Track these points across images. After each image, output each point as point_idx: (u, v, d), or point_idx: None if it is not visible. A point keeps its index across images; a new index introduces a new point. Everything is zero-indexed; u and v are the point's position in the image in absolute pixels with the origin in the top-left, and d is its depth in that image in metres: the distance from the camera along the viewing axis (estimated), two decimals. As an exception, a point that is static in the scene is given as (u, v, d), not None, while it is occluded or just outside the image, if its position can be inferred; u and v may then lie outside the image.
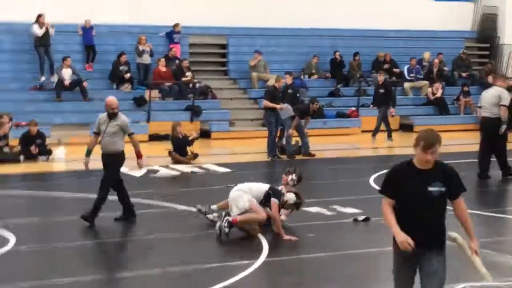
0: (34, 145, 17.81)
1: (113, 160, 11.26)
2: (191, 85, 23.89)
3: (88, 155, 11.57)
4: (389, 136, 22.24)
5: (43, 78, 22.61)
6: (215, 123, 22.99)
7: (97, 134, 11.41)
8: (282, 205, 10.81)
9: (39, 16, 22.26)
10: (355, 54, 26.66)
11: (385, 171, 16.46)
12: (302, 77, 25.87)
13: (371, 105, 23.46)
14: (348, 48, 26.81)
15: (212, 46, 26.49)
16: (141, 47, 23.60)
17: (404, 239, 6.02)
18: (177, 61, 24.09)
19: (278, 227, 10.53)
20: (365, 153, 20.73)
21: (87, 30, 23.63)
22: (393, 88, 23.38)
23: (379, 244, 10.10)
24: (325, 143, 20.98)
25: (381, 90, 22.31)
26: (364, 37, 27.75)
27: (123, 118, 11.38)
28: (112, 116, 11.25)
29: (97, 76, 23.68)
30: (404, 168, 6.25)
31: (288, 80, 20.04)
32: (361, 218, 11.67)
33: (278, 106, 18.24)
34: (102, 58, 23.87)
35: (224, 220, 10.32)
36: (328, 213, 12.12)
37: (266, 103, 18.42)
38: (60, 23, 22.76)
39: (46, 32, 22.31)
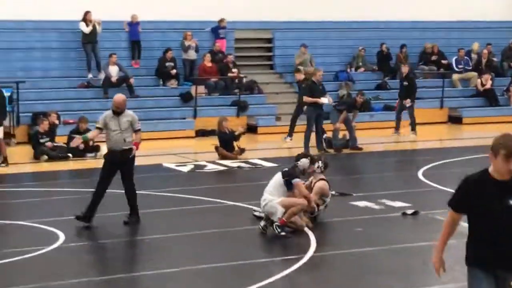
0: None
1: (128, 155, 11.21)
2: (237, 80, 23.87)
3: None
4: (413, 130, 21.41)
5: (90, 76, 22.79)
6: (261, 118, 22.94)
7: (100, 129, 11.37)
8: (303, 173, 10.72)
9: (86, 13, 22.43)
10: (402, 46, 26.37)
11: (433, 164, 16.21)
12: (348, 70, 25.68)
13: (398, 101, 21.93)
14: (395, 40, 26.53)
15: (257, 40, 26.43)
16: (186, 43, 23.65)
17: (435, 261, 5.72)
18: (220, 55, 24.07)
19: (310, 198, 10.53)
20: (414, 146, 20.49)
21: (133, 25, 23.74)
22: (415, 80, 22.51)
23: (428, 238, 9.97)
24: (373, 136, 20.80)
25: (405, 83, 21.63)
26: (411, 29, 27.44)
27: (132, 113, 11.41)
28: (118, 113, 11.23)
29: (143, 72, 23.79)
30: (479, 179, 5.55)
31: (299, 76, 20.08)
32: (410, 212, 11.54)
33: (319, 101, 18.08)
34: (148, 54, 23.97)
35: (275, 228, 10.23)
36: (376, 207, 12.00)
37: (306, 98, 18.23)
38: (106, 20, 22.88)
39: (93, 29, 22.48)
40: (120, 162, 11.19)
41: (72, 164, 17.26)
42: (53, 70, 23.01)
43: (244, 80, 23.96)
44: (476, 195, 5.49)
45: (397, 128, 21.40)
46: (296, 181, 10.40)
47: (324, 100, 18.27)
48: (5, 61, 22.31)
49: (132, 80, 22.49)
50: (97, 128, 11.45)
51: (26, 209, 12.38)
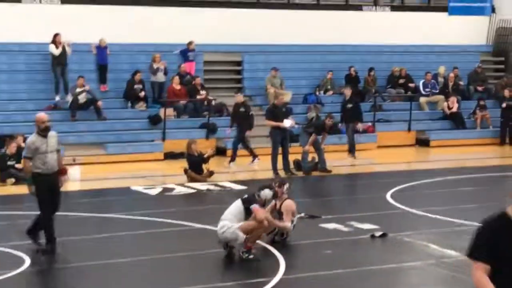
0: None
1: (57, 178, 10.83)
2: (206, 102, 23.85)
3: (29, 182, 10.87)
4: (351, 152, 21.32)
5: (57, 98, 22.62)
6: (230, 140, 22.88)
7: (30, 159, 10.67)
8: (263, 204, 10.68)
9: (56, 35, 22.30)
10: (370, 69, 26.55)
11: (401, 186, 16.32)
12: (317, 92, 25.78)
13: (340, 124, 21.64)
14: (363, 64, 26.71)
15: (226, 63, 26.48)
16: (155, 65, 23.59)
17: None
18: (188, 77, 24.06)
19: (276, 224, 10.71)
20: (382, 168, 20.57)
21: (101, 49, 23.65)
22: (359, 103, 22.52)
23: (397, 260, 9.99)
24: (342, 159, 20.85)
25: (349, 105, 21.62)
26: (379, 52, 27.66)
27: (54, 133, 11.01)
28: (46, 132, 10.79)
29: (111, 95, 23.68)
30: (501, 225, 4.94)
31: (239, 99, 20.69)
32: (378, 234, 11.55)
33: (281, 124, 18.15)
34: (117, 77, 23.87)
35: (242, 254, 10.22)
36: (345, 229, 12.00)
37: (268, 122, 18.44)
38: (74, 42, 22.76)
39: (63, 51, 22.35)
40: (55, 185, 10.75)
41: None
42: (20, 92, 22.81)
43: (213, 102, 23.94)
44: (501, 242, 4.93)
45: (352, 151, 21.37)
46: (254, 207, 10.37)
47: (287, 123, 18.28)
48: (-28, 83, 22.12)
49: (100, 103, 22.37)
50: (28, 158, 10.69)
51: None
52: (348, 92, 22.01)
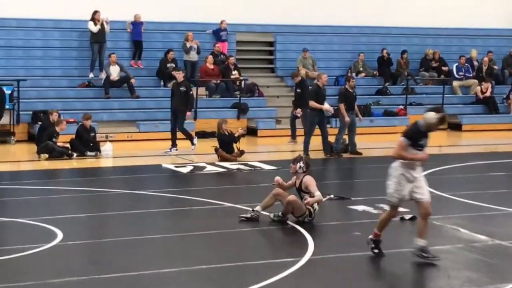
0: (88, 138, 18.01)
1: None
2: (238, 82, 23.91)
3: None
4: (293, 138, 20.86)
5: (91, 75, 22.81)
6: (261, 120, 22.97)
7: None
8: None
9: (95, 12, 22.46)
10: (403, 52, 26.41)
11: (432, 170, 16.25)
12: (349, 74, 25.71)
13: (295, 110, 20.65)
14: (395, 46, 26.58)
15: (259, 43, 26.49)
16: (188, 44, 23.68)
17: None
18: (222, 57, 24.13)
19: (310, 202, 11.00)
20: (413, 151, 20.42)
21: (136, 25, 23.77)
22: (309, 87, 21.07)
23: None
24: (373, 141, 20.80)
25: (298, 90, 20.68)
26: (412, 35, 27.51)
27: None
28: None
29: (144, 73, 23.82)
30: None
31: (297, 79, 19.92)
32: (408, 217, 11.54)
33: (323, 107, 18.01)
34: (150, 55, 24.01)
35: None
36: (375, 211, 12.01)
37: (312, 103, 18.08)
38: (110, 20, 22.89)
39: (102, 29, 22.50)
40: None
41: (72, 163, 17.27)
42: (54, 69, 23.03)
43: (245, 82, 23.99)
44: None
45: (293, 136, 20.90)
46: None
47: (327, 107, 18.20)
48: (6, 59, 22.37)
49: (133, 81, 22.52)
50: None
51: (25, 207, 12.40)
52: (297, 78, 20.61)
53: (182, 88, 18.66)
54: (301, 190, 11.14)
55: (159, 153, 18.53)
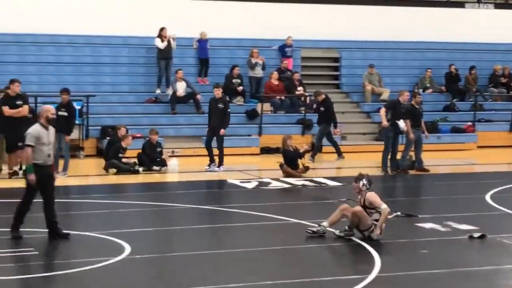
0: (154, 154, 18.18)
1: (52, 171, 10.93)
2: (302, 98, 23.90)
3: (33, 171, 10.67)
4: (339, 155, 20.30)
5: (158, 91, 23.08)
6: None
7: (33, 147, 10.65)
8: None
9: (162, 29, 22.77)
10: (471, 67, 26.05)
11: (502, 187, 15.94)
12: (416, 90, 25.46)
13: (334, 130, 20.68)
14: (464, 62, 26.24)
15: (324, 59, 26.44)
16: (253, 60, 23.79)
17: None
18: (288, 72, 24.17)
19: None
20: (482, 169, 20.16)
21: (202, 42, 23.99)
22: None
23: (495, 262, 9.80)
24: (439, 158, 20.53)
25: (322, 108, 20.37)
26: (481, 51, 27.11)
27: (52, 129, 11.01)
28: (50, 124, 10.87)
29: (210, 89, 23.92)
30: None
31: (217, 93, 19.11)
32: (476, 235, 11.34)
33: (401, 124, 17.84)
34: (216, 71, 24.18)
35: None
36: (442, 229, 11.83)
37: (407, 122, 17.93)
38: (177, 36, 23.16)
39: (168, 45, 22.79)
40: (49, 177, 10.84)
41: (139, 178, 17.46)
42: (122, 85, 23.37)
43: (310, 98, 23.96)
44: None
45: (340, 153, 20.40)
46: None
47: (401, 124, 18.05)
48: (76, 75, 22.78)
49: (199, 96, 22.70)
50: (31, 146, 10.65)
51: (94, 221, 12.58)
52: (321, 96, 20.38)
53: (220, 105, 18.48)
54: (366, 207, 11.04)
55: (225, 168, 18.59)
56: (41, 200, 10.85)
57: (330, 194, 15.08)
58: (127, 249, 10.24)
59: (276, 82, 23.63)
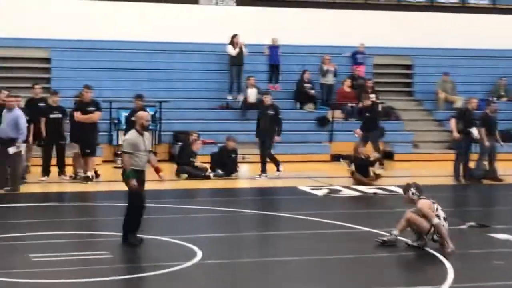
0: (227, 160, 18.33)
1: (144, 176, 11.12)
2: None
3: (134, 175, 10.86)
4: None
5: (230, 97, 23.24)
6: (398, 144, 22.69)
7: (131, 153, 10.83)
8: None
9: (234, 36, 22.94)
10: (547, 76, 25.50)
11: None
12: (490, 99, 25.04)
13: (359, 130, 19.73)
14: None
15: (396, 66, 26.23)
16: (325, 67, 23.76)
17: None
18: (360, 80, 24.07)
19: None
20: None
21: (273, 49, 24.07)
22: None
23: None
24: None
25: (367, 114, 19.91)
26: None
27: (148, 134, 11.18)
28: (145, 130, 11.02)
29: (281, 95, 24.02)
30: None
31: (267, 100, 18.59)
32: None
33: (474, 132, 17.58)
34: (287, 78, 24.22)
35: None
36: (517, 240, 11.61)
37: (481, 131, 17.74)
38: (248, 43, 23.29)
39: (240, 52, 22.94)
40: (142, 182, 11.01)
41: (211, 183, 17.60)
42: (194, 91, 23.61)
43: (382, 106, 23.80)
44: None
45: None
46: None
47: (474, 132, 17.79)
48: (150, 81, 23.12)
49: (270, 103, 22.73)
50: (129, 153, 10.83)
51: (166, 225, 12.73)
52: (367, 102, 20.04)
53: (270, 112, 18.35)
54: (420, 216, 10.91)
55: (294, 176, 18.61)
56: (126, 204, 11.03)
57: (401, 202, 14.91)
58: (199, 254, 10.34)
59: (348, 89, 23.56)
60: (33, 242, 11.16)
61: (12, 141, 15.33)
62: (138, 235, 11.00)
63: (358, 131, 19.52)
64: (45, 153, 17.11)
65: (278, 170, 18.42)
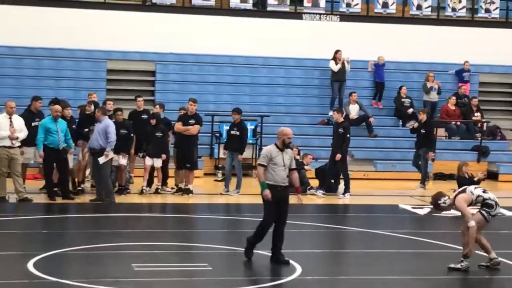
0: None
1: (287, 193, 10.82)
2: (479, 124, 23.24)
3: (266, 187, 10.72)
4: (422, 182, 19.44)
5: (331, 113, 23.13)
6: (503, 164, 22.10)
7: (265, 166, 10.75)
8: None
9: (336, 52, 22.86)
10: None
11: None
12: None
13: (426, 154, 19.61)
14: None
15: (502, 85, 25.60)
16: (429, 84, 23.40)
17: None
18: (465, 99, 23.60)
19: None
20: None
21: (379, 67, 23.86)
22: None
23: None
24: None
25: (422, 130, 19.49)
26: None
27: (290, 152, 11.00)
28: (286, 147, 10.86)
29: (383, 112, 23.80)
30: None
31: (337, 117, 18.28)
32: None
33: None
34: (390, 94, 23.94)
35: None
36: None
37: None
38: (351, 59, 23.17)
39: (342, 68, 22.85)
40: (281, 198, 10.78)
41: (309, 199, 17.53)
42: (295, 106, 23.62)
43: (487, 125, 23.28)
44: None
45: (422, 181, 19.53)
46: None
47: None
48: (251, 95, 23.28)
49: (371, 120, 22.57)
50: (263, 165, 10.77)
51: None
52: (422, 116, 19.69)
53: (340, 130, 17.86)
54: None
55: (396, 193, 18.35)
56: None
57: (506, 224, 14.51)
58: (298, 269, 10.29)
59: (453, 107, 23.12)
60: (135, 251, 11.35)
61: (101, 151, 15.62)
62: (286, 258, 10.72)
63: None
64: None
65: (346, 191, 17.72)
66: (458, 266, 10.59)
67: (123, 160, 16.52)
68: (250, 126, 20.82)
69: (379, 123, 23.13)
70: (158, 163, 16.90)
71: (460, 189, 10.92)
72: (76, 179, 16.75)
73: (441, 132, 22.75)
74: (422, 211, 15.93)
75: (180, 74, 23.56)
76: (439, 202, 10.75)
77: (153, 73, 23.63)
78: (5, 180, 15.32)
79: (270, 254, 10.77)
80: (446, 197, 10.76)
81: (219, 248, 11.08)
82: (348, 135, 17.85)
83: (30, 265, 10.02)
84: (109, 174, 15.83)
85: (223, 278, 10.12)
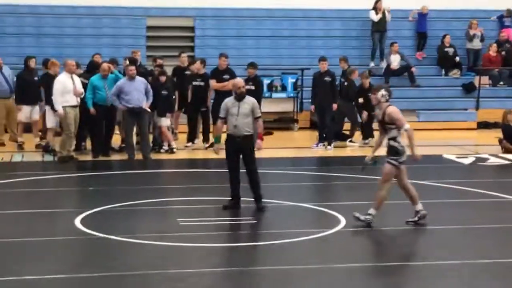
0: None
1: (249, 141, 10.95)
2: (522, 70, 22.91)
3: (219, 141, 11.46)
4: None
5: (372, 64, 22.94)
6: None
7: (223, 119, 11.08)
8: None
9: (376, 1, 22.60)
10: None
11: None
12: None
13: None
14: None
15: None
16: (471, 32, 23.04)
17: None
18: (507, 45, 23.19)
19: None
20: None
21: (422, 16, 23.53)
22: None
23: None
24: None
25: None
26: None
27: (252, 100, 11.05)
28: (241, 97, 10.93)
29: (425, 62, 23.53)
30: None
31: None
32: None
33: None
34: (432, 43, 23.67)
35: None
36: None
37: None
38: (392, 9, 22.87)
39: (383, 18, 22.58)
40: (241, 149, 10.96)
41: (348, 151, 17.50)
42: (335, 58, 23.39)
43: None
44: None
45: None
46: None
47: None
48: (291, 48, 23.12)
49: (413, 69, 22.34)
50: (221, 118, 11.16)
51: (308, 192, 12.77)
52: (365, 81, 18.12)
53: (327, 78, 17.38)
54: (385, 123, 10.14)
55: (439, 143, 18.21)
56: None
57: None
58: (342, 221, 10.31)
59: (494, 54, 22.75)
60: (180, 206, 11.46)
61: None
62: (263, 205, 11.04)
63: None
64: (190, 120, 17.46)
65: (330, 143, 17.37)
66: (415, 219, 10.36)
67: (166, 121, 16.56)
68: (291, 80, 20.76)
69: (421, 72, 22.88)
70: (166, 122, 16.71)
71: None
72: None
73: (484, 80, 22.45)
74: (466, 161, 15.81)
75: (219, 29, 23.47)
76: (379, 94, 10.18)
77: (192, 29, 23.59)
78: (72, 140, 15.46)
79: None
80: (385, 92, 10.19)
81: (268, 202, 11.14)
82: (337, 83, 17.28)
83: (77, 222, 10.19)
84: (147, 131, 15.98)
85: (267, 231, 10.18)
